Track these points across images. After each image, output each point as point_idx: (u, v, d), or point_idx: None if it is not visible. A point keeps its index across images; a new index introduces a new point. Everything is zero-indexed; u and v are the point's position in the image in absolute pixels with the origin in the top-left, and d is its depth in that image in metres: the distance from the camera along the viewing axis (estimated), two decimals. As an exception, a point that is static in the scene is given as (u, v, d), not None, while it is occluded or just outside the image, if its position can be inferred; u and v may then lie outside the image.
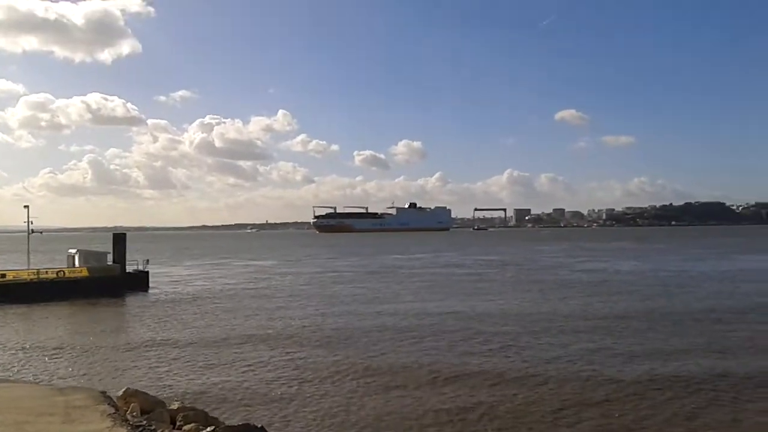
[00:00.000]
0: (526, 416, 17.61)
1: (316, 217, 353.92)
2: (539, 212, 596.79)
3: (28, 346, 28.79)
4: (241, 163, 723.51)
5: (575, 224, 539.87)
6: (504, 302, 42.53)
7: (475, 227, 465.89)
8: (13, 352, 27.62)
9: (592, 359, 24.47)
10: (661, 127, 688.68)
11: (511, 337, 29.38)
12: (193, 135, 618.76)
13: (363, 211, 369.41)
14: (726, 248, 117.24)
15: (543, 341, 28.41)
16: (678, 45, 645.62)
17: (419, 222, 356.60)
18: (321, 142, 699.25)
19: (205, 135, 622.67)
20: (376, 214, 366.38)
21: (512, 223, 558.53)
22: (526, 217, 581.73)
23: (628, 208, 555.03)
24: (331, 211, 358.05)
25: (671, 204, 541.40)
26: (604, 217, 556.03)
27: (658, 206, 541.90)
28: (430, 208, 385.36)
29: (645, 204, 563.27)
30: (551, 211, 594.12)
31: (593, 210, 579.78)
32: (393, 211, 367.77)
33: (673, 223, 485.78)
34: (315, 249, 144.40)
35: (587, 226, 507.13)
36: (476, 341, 28.66)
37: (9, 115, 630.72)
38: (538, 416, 17.61)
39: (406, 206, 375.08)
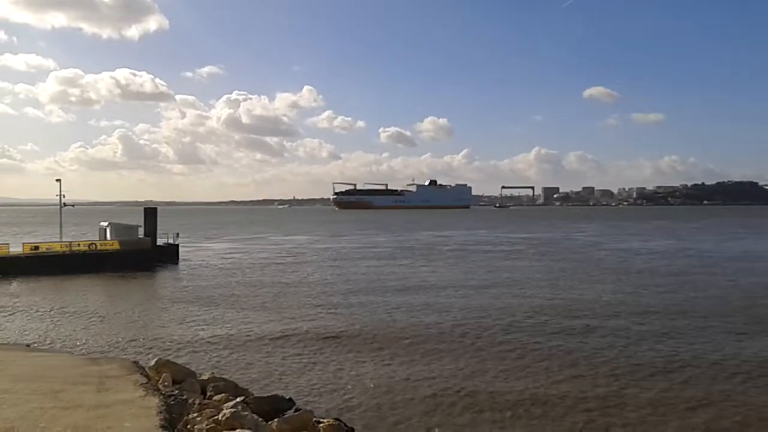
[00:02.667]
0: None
1: (336, 193, 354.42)
2: (568, 190, 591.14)
3: (61, 317, 29.33)
4: (268, 139, 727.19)
5: (604, 203, 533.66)
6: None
7: (497, 205, 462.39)
8: (47, 322, 28.16)
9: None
10: (692, 105, 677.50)
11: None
12: (220, 111, 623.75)
13: (383, 188, 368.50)
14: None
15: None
16: (709, 21, 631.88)
17: (439, 199, 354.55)
18: (347, 119, 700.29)
19: (231, 111, 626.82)
20: (396, 190, 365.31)
21: (540, 201, 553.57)
22: (554, 195, 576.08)
23: (658, 187, 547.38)
24: (351, 187, 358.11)
25: (703, 183, 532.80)
26: (634, 195, 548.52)
27: (689, 185, 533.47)
28: (450, 186, 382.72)
29: (676, 183, 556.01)
30: (580, 189, 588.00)
31: (623, 189, 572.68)
32: (413, 188, 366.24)
33: (705, 202, 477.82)
34: (340, 225, 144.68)
35: (616, 205, 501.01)
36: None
37: (39, 90, 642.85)
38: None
39: (426, 183, 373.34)
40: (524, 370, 19.78)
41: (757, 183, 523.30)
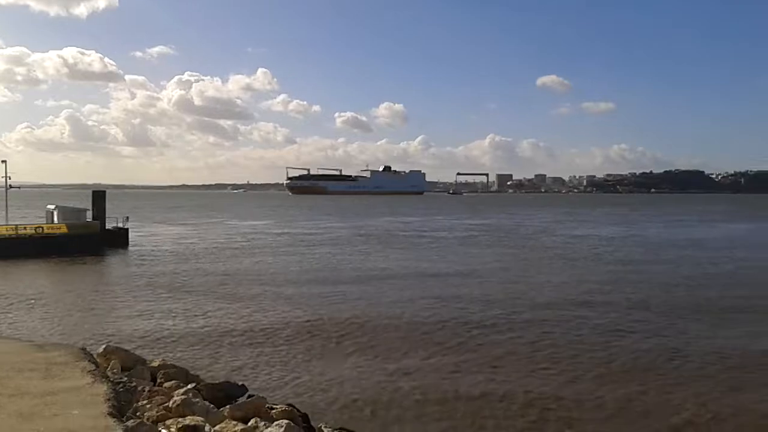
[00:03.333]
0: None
1: (289, 178, 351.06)
2: (521, 178, 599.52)
3: (6, 302, 28.56)
4: (222, 122, 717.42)
5: (556, 190, 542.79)
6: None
7: (450, 191, 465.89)
8: (-9, 307, 27.41)
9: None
10: (642, 95, 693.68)
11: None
12: (171, 92, 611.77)
13: (337, 173, 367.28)
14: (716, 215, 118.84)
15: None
16: (660, 11, 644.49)
17: (393, 185, 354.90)
18: (302, 103, 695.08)
19: (183, 92, 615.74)
20: (350, 176, 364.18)
21: (494, 188, 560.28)
22: (508, 183, 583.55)
23: (608, 175, 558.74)
24: (305, 173, 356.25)
25: (651, 172, 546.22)
26: (584, 183, 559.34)
27: (638, 173, 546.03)
28: (404, 172, 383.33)
29: (625, 171, 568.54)
30: (533, 176, 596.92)
31: (574, 176, 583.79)
32: (367, 174, 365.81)
33: (653, 190, 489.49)
34: (294, 210, 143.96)
35: (566, 192, 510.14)
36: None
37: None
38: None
39: (381, 169, 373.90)
40: (470, 363, 20.12)
41: (703, 172, 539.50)
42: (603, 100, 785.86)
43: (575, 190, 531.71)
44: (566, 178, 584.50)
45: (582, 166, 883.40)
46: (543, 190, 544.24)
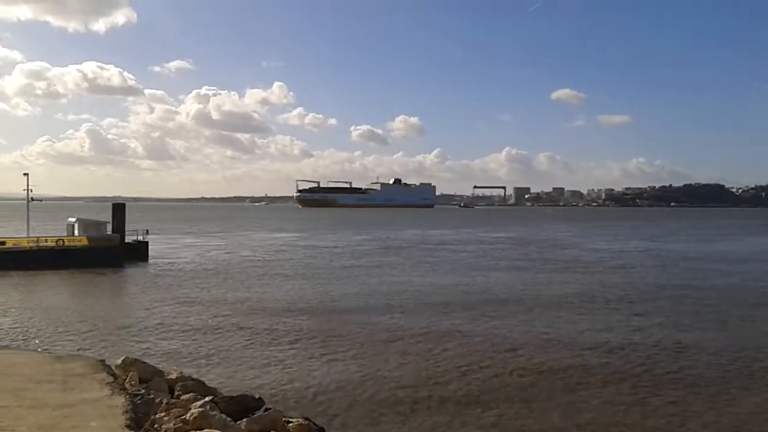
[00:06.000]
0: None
1: (299, 191, 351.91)
2: (538, 191, 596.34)
3: (26, 314, 28.80)
4: (239, 135, 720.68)
5: (574, 203, 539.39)
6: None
7: (462, 204, 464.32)
8: (11, 319, 27.61)
9: None
10: (658, 107, 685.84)
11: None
12: (189, 106, 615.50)
13: (347, 186, 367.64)
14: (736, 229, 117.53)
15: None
16: (676, 22, 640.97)
17: (404, 198, 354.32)
18: (318, 116, 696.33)
19: (201, 106, 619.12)
20: (360, 189, 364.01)
21: (511, 201, 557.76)
22: (526, 196, 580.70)
23: (627, 188, 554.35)
24: (315, 185, 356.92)
25: (671, 185, 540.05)
26: (603, 197, 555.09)
27: (657, 187, 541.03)
28: (415, 185, 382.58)
29: (643, 184, 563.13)
30: (551, 189, 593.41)
31: (592, 190, 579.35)
32: (377, 187, 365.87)
33: (673, 204, 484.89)
34: (307, 223, 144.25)
35: (583, 206, 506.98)
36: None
37: (6, 82, 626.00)
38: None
39: (391, 182, 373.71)
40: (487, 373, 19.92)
41: (723, 185, 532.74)
42: (618, 112, 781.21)
43: (594, 204, 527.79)
44: (585, 192, 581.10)
45: (600, 180, 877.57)
46: (561, 204, 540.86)
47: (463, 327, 26.42)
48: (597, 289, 37.91)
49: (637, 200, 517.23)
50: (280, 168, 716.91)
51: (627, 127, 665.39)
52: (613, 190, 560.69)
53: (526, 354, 21.81)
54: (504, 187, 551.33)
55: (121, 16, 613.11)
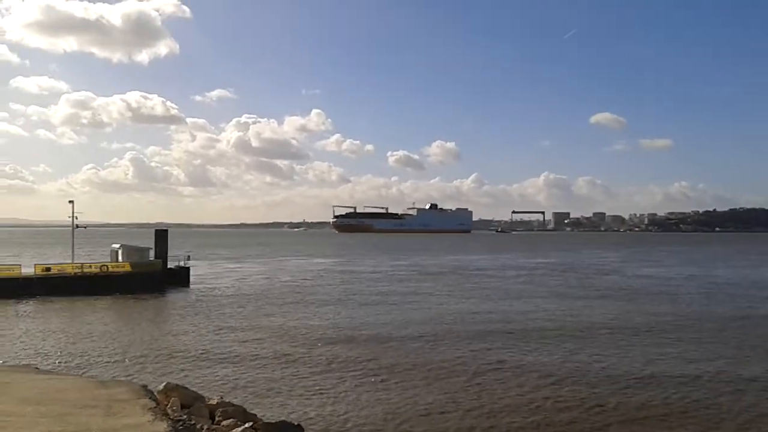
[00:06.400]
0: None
1: (335, 216, 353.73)
2: (578, 216, 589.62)
3: (71, 339, 29.32)
4: (278, 162, 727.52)
5: (615, 228, 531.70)
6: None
7: (499, 229, 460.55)
8: (57, 344, 28.12)
9: None
10: (700, 131, 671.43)
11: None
12: (230, 134, 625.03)
13: (383, 211, 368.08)
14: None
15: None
16: (715, 45, 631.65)
17: (440, 223, 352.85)
18: (355, 142, 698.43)
19: (241, 134, 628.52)
20: (397, 214, 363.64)
21: (551, 226, 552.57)
22: (565, 221, 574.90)
23: (670, 213, 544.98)
24: (351, 210, 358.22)
25: (714, 210, 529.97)
26: (645, 222, 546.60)
27: (701, 212, 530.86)
28: (451, 210, 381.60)
29: (687, 209, 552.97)
30: (591, 214, 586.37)
31: (634, 215, 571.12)
32: (413, 212, 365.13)
33: (717, 229, 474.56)
34: (344, 248, 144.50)
35: (624, 231, 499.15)
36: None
37: (52, 112, 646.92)
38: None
39: (427, 207, 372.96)
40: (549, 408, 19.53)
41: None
42: (660, 136, 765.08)
43: (636, 229, 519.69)
44: (626, 217, 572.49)
45: (641, 204, 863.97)
46: (602, 229, 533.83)
47: (505, 357, 26.00)
48: (642, 318, 37.12)
49: (681, 225, 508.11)
50: (318, 194, 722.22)
51: (669, 151, 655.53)
52: (655, 215, 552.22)
53: (570, 387, 21.33)
54: (543, 212, 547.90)
55: (163, 47, 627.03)
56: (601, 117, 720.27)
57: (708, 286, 56.27)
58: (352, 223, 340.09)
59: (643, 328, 32.98)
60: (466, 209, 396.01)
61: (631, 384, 21.28)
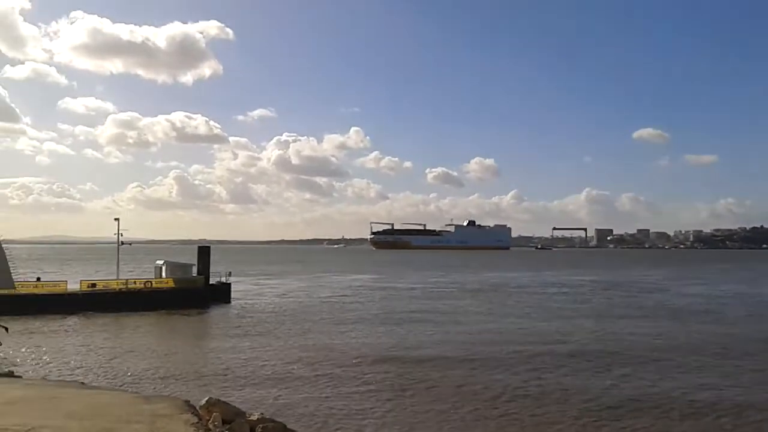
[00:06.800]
0: None
1: (373, 233, 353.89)
2: (622, 232, 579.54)
3: (116, 354, 29.80)
4: (317, 179, 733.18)
5: (660, 245, 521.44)
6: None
7: (538, 246, 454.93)
8: (101, 359, 28.64)
9: None
10: (746, 147, 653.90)
11: None
12: (270, 152, 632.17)
13: (421, 228, 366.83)
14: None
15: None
16: (761, 60, 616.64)
17: (478, 240, 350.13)
18: (393, 159, 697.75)
19: (281, 152, 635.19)
20: (434, 231, 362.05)
21: (593, 243, 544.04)
22: (608, 237, 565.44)
23: (716, 230, 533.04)
24: (389, 227, 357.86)
25: (762, 226, 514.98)
26: (691, 238, 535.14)
27: (748, 228, 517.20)
28: (489, 226, 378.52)
29: (733, 225, 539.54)
30: (635, 231, 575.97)
31: (680, 231, 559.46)
32: (451, 229, 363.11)
33: (765, 246, 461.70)
34: (384, 266, 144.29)
35: (669, 248, 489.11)
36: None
37: (99, 132, 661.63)
38: None
39: (465, 224, 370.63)
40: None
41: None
42: (705, 152, 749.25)
43: (681, 246, 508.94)
44: (671, 233, 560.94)
45: (686, 221, 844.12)
46: (647, 246, 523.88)
47: (549, 380, 25.61)
48: (692, 339, 36.24)
49: (727, 242, 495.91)
50: (357, 210, 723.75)
51: (714, 167, 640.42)
52: (701, 231, 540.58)
53: (629, 415, 20.83)
54: (585, 229, 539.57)
55: (207, 69, 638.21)
56: (645, 132, 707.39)
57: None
58: (390, 239, 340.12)
59: (692, 350, 32.18)
60: (505, 225, 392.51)
61: (685, 413, 20.69)
